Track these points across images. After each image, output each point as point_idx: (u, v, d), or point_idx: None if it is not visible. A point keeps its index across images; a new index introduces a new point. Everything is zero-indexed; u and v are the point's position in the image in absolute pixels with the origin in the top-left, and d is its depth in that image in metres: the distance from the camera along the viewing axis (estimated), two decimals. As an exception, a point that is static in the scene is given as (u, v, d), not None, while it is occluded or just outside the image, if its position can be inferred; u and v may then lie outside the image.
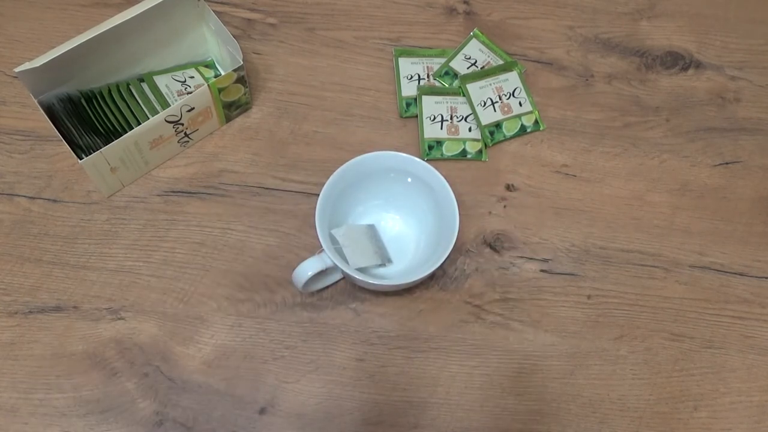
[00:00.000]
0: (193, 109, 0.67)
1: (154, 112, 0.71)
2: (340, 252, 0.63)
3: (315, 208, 0.61)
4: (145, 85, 0.72)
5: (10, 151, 0.71)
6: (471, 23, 0.81)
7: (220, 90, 0.68)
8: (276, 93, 0.76)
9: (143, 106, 0.71)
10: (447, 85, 0.77)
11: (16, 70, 0.60)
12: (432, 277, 0.68)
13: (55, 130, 0.63)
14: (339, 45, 0.79)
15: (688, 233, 0.72)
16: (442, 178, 0.64)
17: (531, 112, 0.76)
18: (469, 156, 0.73)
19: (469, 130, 0.74)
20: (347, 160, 0.64)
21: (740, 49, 0.82)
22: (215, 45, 0.73)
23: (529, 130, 0.75)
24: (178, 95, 0.71)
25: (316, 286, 0.65)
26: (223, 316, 0.66)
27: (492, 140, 0.74)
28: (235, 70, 0.67)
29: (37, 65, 0.61)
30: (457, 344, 0.66)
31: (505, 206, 0.72)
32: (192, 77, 0.73)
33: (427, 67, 0.78)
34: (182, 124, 0.68)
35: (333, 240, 0.63)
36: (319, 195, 0.62)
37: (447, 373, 0.65)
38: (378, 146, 0.74)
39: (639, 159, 0.75)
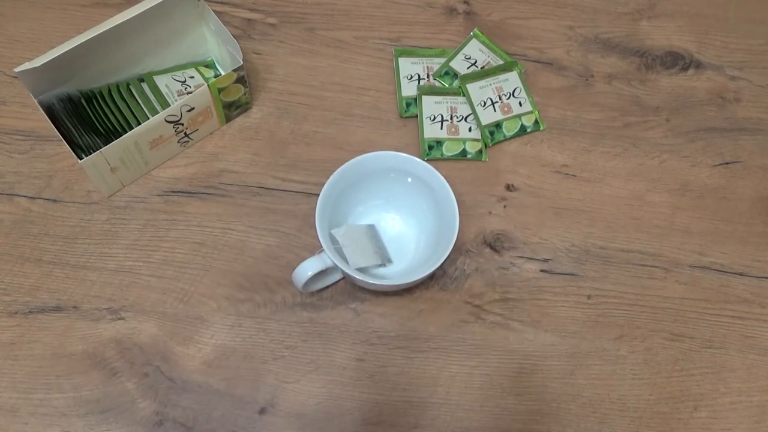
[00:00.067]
0: (193, 109, 0.67)
1: (154, 112, 0.71)
2: (340, 252, 0.63)
3: (315, 208, 0.61)
4: (145, 85, 0.72)
5: (10, 151, 0.71)
6: (471, 23, 0.81)
7: (220, 90, 0.68)
8: (276, 93, 0.76)
9: (143, 106, 0.71)
10: (447, 85, 0.77)
11: (16, 70, 0.60)
12: (432, 277, 0.68)
13: (55, 130, 0.63)
14: (339, 45, 0.79)
15: (688, 233, 0.72)
16: (442, 178, 0.64)
17: (531, 112, 0.76)
18: (469, 156, 0.73)
19: (469, 130, 0.74)
20: (347, 160, 0.64)
21: (740, 49, 0.82)
22: (215, 45, 0.73)
23: (529, 130, 0.75)
24: (178, 95, 0.71)
25: (316, 286, 0.65)
26: (223, 316, 0.66)
27: (492, 140, 0.74)
28: (235, 70, 0.67)
29: (37, 65, 0.61)
30: (457, 344, 0.66)
31: (505, 206, 0.72)
32: (192, 77, 0.73)
33: (427, 67, 0.78)
34: (182, 124, 0.68)
35: (333, 240, 0.63)
36: (319, 195, 0.62)
37: (447, 373, 0.65)
38: (378, 146, 0.74)
39: (639, 159, 0.75)
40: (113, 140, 0.64)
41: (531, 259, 0.70)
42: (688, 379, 0.66)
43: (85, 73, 0.68)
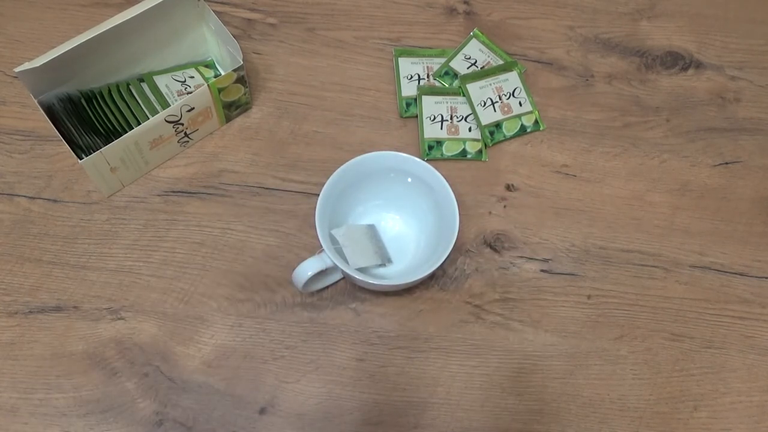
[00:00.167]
0: (193, 109, 0.67)
1: (154, 112, 0.71)
2: (340, 252, 0.63)
3: (315, 208, 0.61)
4: (145, 85, 0.72)
5: (10, 151, 0.71)
6: (471, 23, 0.81)
7: (220, 90, 0.68)
8: (276, 93, 0.76)
9: (143, 106, 0.71)
10: (447, 85, 0.77)
11: (16, 70, 0.60)
12: (432, 277, 0.68)
13: (55, 130, 0.63)
14: (339, 45, 0.79)
15: (688, 233, 0.72)
16: (442, 178, 0.64)
17: (531, 112, 0.76)
18: (469, 156, 0.73)
19: (469, 130, 0.74)
20: (347, 160, 0.64)
21: (740, 49, 0.82)
22: (215, 45, 0.73)
23: (529, 130, 0.75)
24: (178, 95, 0.71)
25: (316, 286, 0.65)
26: (223, 316, 0.66)
27: (492, 140, 0.74)
28: (235, 70, 0.67)
29: (37, 65, 0.61)
30: (457, 344, 0.66)
31: (505, 206, 0.72)
32: (192, 77, 0.73)
33: (427, 67, 0.78)
34: (182, 124, 0.68)
35: (333, 240, 0.63)
36: (319, 195, 0.62)
37: (447, 373, 0.65)
38: (378, 146, 0.74)
39: (639, 159, 0.75)
40: (113, 140, 0.64)
41: (531, 259, 0.70)
42: (688, 379, 0.66)
43: (85, 73, 0.68)
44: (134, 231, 0.69)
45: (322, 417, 0.63)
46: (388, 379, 0.64)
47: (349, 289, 0.67)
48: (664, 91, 0.79)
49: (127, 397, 0.62)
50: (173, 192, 0.70)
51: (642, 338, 0.67)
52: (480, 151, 0.74)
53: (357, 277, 0.60)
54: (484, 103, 0.75)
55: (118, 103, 0.70)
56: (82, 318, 0.65)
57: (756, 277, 0.70)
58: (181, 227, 0.69)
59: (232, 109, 0.72)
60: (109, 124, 0.69)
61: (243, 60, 0.66)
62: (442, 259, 0.60)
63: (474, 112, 0.74)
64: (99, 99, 0.69)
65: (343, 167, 0.63)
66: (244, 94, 0.71)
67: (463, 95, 0.75)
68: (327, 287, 0.67)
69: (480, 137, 0.74)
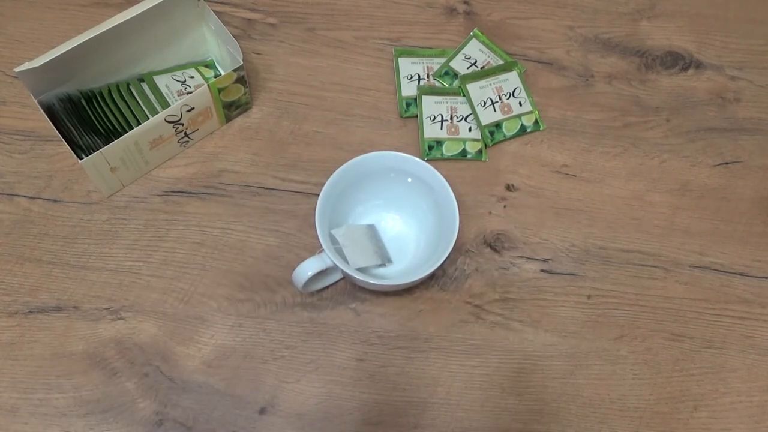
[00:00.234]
0: (193, 109, 0.67)
1: (154, 112, 0.71)
2: (340, 252, 0.63)
3: (315, 208, 0.61)
4: (145, 85, 0.72)
5: (10, 151, 0.71)
6: (471, 23, 0.81)
7: (220, 90, 0.68)
8: (276, 93, 0.76)
9: (143, 106, 0.71)
10: (447, 85, 0.77)
11: (16, 70, 0.60)
12: (432, 277, 0.68)
13: (55, 130, 0.63)
14: (339, 45, 0.79)
15: (688, 233, 0.72)
16: (442, 178, 0.64)
17: (531, 112, 0.76)
18: (469, 156, 0.73)
19: (469, 130, 0.74)
20: (347, 160, 0.64)
21: (740, 49, 0.82)
22: (215, 45, 0.73)
23: (529, 130, 0.75)
24: (178, 95, 0.71)
25: (316, 286, 0.65)
26: (223, 316, 0.66)
27: (492, 140, 0.74)
28: (235, 70, 0.67)
29: (37, 65, 0.61)
30: (457, 344, 0.66)
31: (505, 206, 0.72)
32: (192, 77, 0.73)
33: (427, 67, 0.78)
34: (182, 124, 0.68)
35: (333, 240, 0.63)
36: (319, 195, 0.62)
37: (447, 373, 0.65)
38: (378, 146, 0.74)
39: (639, 159, 0.75)
40: (113, 140, 0.64)
41: (531, 259, 0.70)
42: (688, 379, 0.66)
43: (85, 73, 0.68)
44: (134, 231, 0.69)
45: (322, 417, 0.63)
46: (388, 379, 0.64)
47: (349, 289, 0.67)
48: (664, 91, 0.79)
49: (127, 397, 0.62)
50: (173, 192, 0.70)
51: (642, 338, 0.67)
52: (480, 151, 0.74)
53: (357, 277, 0.60)
54: (484, 103, 0.75)
55: (118, 103, 0.70)
56: (82, 318, 0.65)
57: (756, 277, 0.70)
58: (181, 227, 0.69)
59: (232, 109, 0.72)
60: (109, 124, 0.69)
61: (243, 60, 0.66)
62: (442, 259, 0.60)
63: (474, 112, 0.74)
64: (99, 99, 0.69)
65: (343, 167, 0.63)
66: (244, 94, 0.71)
67: (463, 95, 0.75)
68: (327, 287, 0.67)
69: (480, 137, 0.74)
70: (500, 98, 0.75)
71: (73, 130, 0.67)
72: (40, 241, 0.68)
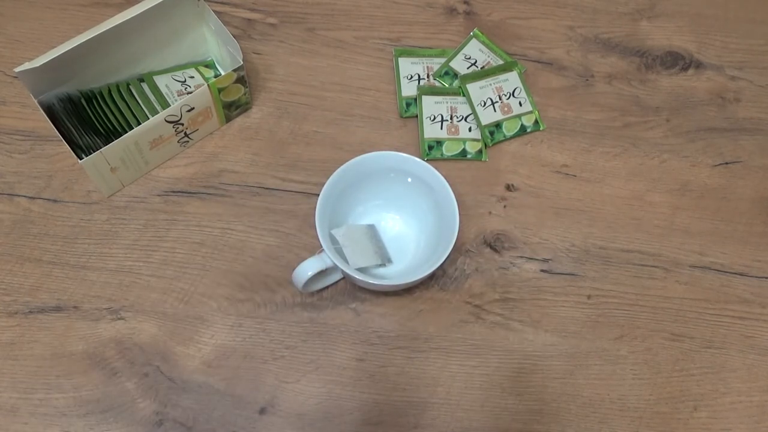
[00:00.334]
0: (193, 109, 0.67)
1: (154, 112, 0.71)
2: (340, 252, 0.63)
3: (315, 208, 0.61)
4: (145, 85, 0.72)
5: (10, 151, 0.71)
6: (471, 23, 0.81)
7: (220, 90, 0.68)
8: (276, 93, 0.76)
9: (143, 106, 0.71)
10: (447, 85, 0.77)
11: (16, 70, 0.60)
12: (432, 277, 0.68)
13: (55, 130, 0.63)
14: (339, 45, 0.79)
15: (688, 233, 0.72)
16: (442, 178, 0.64)
17: (531, 112, 0.76)
18: (469, 156, 0.73)
19: (469, 130, 0.74)
20: (347, 160, 0.64)
21: (740, 49, 0.82)
22: (215, 45, 0.73)
23: (529, 130, 0.75)
24: (178, 95, 0.71)
25: (316, 286, 0.65)
26: (223, 316, 0.66)
27: (492, 140, 0.74)
28: (235, 70, 0.67)
29: (37, 65, 0.61)
30: (457, 344, 0.66)
31: (505, 206, 0.72)
32: (192, 77, 0.73)
33: (427, 67, 0.78)
34: (182, 124, 0.68)
35: (333, 240, 0.63)
36: (319, 195, 0.62)
37: (447, 373, 0.65)
38: (378, 146, 0.74)
39: (639, 159, 0.75)
40: (113, 140, 0.64)
41: (531, 259, 0.70)
42: (688, 379, 0.66)
43: (85, 73, 0.68)
44: (134, 231, 0.69)
45: (322, 417, 0.63)
46: (388, 379, 0.64)
47: (349, 289, 0.67)
48: (664, 91, 0.79)
49: (127, 397, 0.62)
50: (173, 192, 0.70)
51: (642, 338, 0.67)
52: (480, 151, 0.74)
53: (357, 277, 0.60)
54: (484, 103, 0.75)
55: (118, 103, 0.70)
56: (82, 318, 0.65)
57: (756, 277, 0.70)
58: (181, 227, 0.69)
59: (232, 109, 0.72)
60: (109, 124, 0.69)
61: (243, 60, 0.66)
62: (442, 259, 0.60)
63: (474, 112, 0.74)
64: (99, 99, 0.69)
65: (343, 167, 0.63)
66: (244, 94, 0.71)
67: (463, 95, 0.75)
68: (327, 287, 0.67)
69: (480, 137, 0.74)
70: (500, 98, 0.75)
71: (73, 130, 0.67)
72: (40, 241, 0.68)
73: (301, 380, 0.64)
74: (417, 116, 0.75)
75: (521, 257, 0.70)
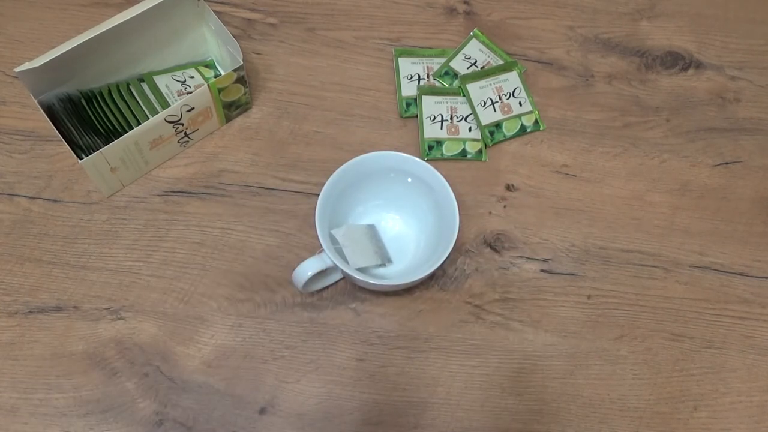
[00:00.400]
0: (193, 109, 0.67)
1: (154, 112, 0.71)
2: (340, 252, 0.63)
3: (315, 208, 0.61)
4: (145, 85, 0.72)
5: (10, 151, 0.71)
6: (471, 23, 0.81)
7: (220, 90, 0.68)
8: (276, 93, 0.76)
9: (143, 106, 0.71)
10: (447, 85, 0.77)
11: (16, 70, 0.60)
12: (432, 277, 0.68)
13: (55, 130, 0.63)
14: (339, 45, 0.79)
15: (688, 233, 0.72)
16: (442, 178, 0.64)
17: (531, 112, 0.76)
18: (469, 156, 0.73)
19: (469, 130, 0.74)
20: (347, 160, 0.64)
21: (740, 49, 0.82)
22: (215, 45, 0.73)
23: (529, 130, 0.75)
24: (178, 95, 0.71)
25: (316, 286, 0.65)
26: (223, 316, 0.66)
27: (492, 140, 0.74)
28: (235, 70, 0.67)
29: (37, 65, 0.61)
30: (457, 344, 0.66)
31: (505, 206, 0.72)
32: (192, 77, 0.73)
33: (427, 67, 0.78)
34: (182, 124, 0.68)
35: (333, 240, 0.63)
36: (319, 195, 0.62)
37: (447, 373, 0.65)
38: (378, 146, 0.74)
39: (639, 159, 0.75)
40: (113, 140, 0.64)
41: (531, 259, 0.70)
42: (688, 379, 0.66)
43: (85, 73, 0.68)
44: (134, 231, 0.69)
45: (322, 417, 0.63)
46: (388, 379, 0.64)
47: (349, 289, 0.67)
48: (664, 91, 0.79)
49: (127, 397, 0.62)
50: (173, 192, 0.70)
51: (642, 338, 0.67)
52: (480, 151, 0.74)
53: (357, 277, 0.60)
54: (484, 103, 0.75)
55: (118, 103, 0.70)
56: (82, 318, 0.65)
57: (756, 277, 0.70)
58: (181, 227, 0.69)
59: (232, 109, 0.72)
60: (109, 124, 0.69)
61: (243, 60, 0.66)
62: (442, 259, 0.60)
63: (474, 112, 0.74)
64: (99, 99, 0.69)
65: (343, 167, 0.63)
66: (244, 94, 0.71)
67: (463, 95, 0.75)
68: (327, 287, 0.67)
69: (480, 137, 0.74)
70: (500, 98, 0.75)
71: (73, 130, 0.67)
72: (40, 241, 0.68)
73: (301, 380, 0.64)
74: (417, 116, 0.75)
75: (521, 257, 0.70)
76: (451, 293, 0.68)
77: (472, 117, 0.75)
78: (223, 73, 0.72)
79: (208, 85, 0.66)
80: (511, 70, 0.77)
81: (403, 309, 0.67)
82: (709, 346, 0.67)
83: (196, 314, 0.66)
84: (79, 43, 0.62)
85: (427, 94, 0.75)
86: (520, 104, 0.76)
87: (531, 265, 0.69)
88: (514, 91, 0.76)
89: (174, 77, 0.72)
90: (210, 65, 0.76)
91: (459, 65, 0.77)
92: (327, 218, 0.62)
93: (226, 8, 0.79)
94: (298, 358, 0.65)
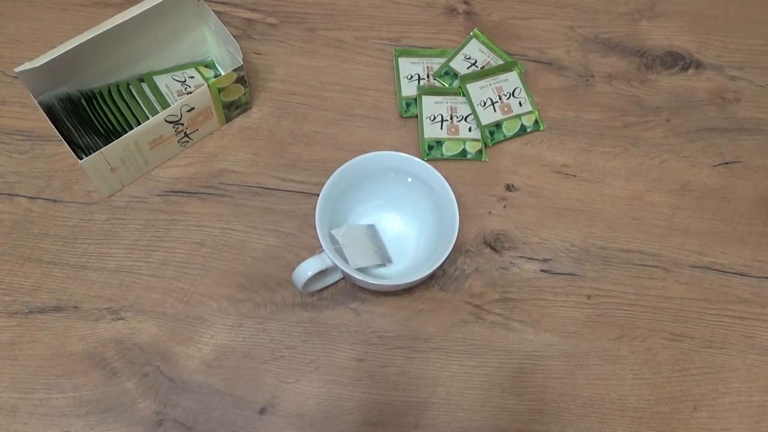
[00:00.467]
0: (193, 109, 0.67)
1: (154, 112, 0.71)
2: (340, 252, 0.63)
3: (315, 208, 0.61)
4: (145, 85, 0.72)
5: (10, 151, 0.71)
6: (471, 23, 0.81)
7: (220, 90, 0.68)
8: (276, 93, 0.76)
9: (143, 106, 0.71)
10: (447, 85, 0.77)
11: (16, 70, 0.60)
12: (432, 277, 0.68)
13: (55, 130, 0.63)
14: (339, 45, 0.79)
15: (688, 233, 0.72)
16: (442, 178, 0.64)
17: (531, 112, 0.76)
18: (469, 156, 0.73)
19: (469, 130, 0.74)
20: (347, 160, 0.64)
21: (740, 49, 0.82)
22: (215, 45, 0.73)
23: (529, 130, 0.75)
24: (178, 95, 0.71)
25: (316, 286, 0.65)
26: (223, 316, 0.66)
27: (492, 140, 0.74)
28: (235, 70, 0.67)
29: (37, 65, 0.61)
30: (457, 344, 0.66)
31: (505, 206, 0.72)
32: (192, 77, 0.73)
33: (427, 67, 0.78)
34: (182, 124, 0.68)
35: (333, 240, 0.63)
36: (319, 195, 0.62)
37: (447, 373, 0.65)
38: (378, 146, 0.74)
39: (639, 159, 0.75)
40: (113, 140, 0.64)
41: (531, 259, 0.70)
42: (688, 379, 0.66)
43: (85, 73, 0.68)
44: (134, 231, 0.69)
45: (322, 417, 0.63)
46: (388, 379, 0.64)
47: (349, 289, 0.67)
48: (664, 91, 0.79)
49: (127, 397, 0.62)
50: (173, 192, 0.70)
51: (642, 338, 0.67)
52: (480, 151, 0.74)
53: (357, 277, 0.60)
54: (484, 103, 0.75)
55: (118, 103, 0.70)
56: (82, 318, 0.65)
57: (756, 277, 0.70)
58: (181, 227, 0.69)
59: (232, 109, 0.72)
60: (109, 124, 0.69)
61: (243, 60, 0.66)
62: (442, 259, 0.60)
63: (474, 112, 0.74)
64: (99, 99, 0.69)
65: (343, 167, 0.63)
66: (244, 94, 0.71)
67: (463, 95, 0.75)
68: (327, 287, 0.67)
69: (480, 137, 0.74)
70: (500, 98, 0.75)
71: (73, 130, 0.67)
72: (40, 241, 0.68)
73: (301, 380, 0.64)
74: (417, 116, 0.75)
75: (521, 257, 0.70)
76: (451, 293, 0.68)
77: (472, 117, 0.75)
78: (223, 73, 0.72)
79: (208, 85, 0.66)
80: (511, 70, 0.77)
81: (403, 309, 0.67)
82: (709, 346, 0.67)
83: (196, 314, 0.66)
84: (79, 43, 0.62)
85: (427, 94, 0.75)
86: (520, 104, 0.76)
87: (531, 265, 0.69)
88: (514, 91, 0.76)
89: (174, 77, 0.72)
90: (210, 65, 0.76)
91: (459, 65, 0.77)
92: (327, 218, 0.62)
93: (226, 8, 0.79)
94: (298, 358, 0.65)
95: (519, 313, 0.67)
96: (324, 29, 0.79)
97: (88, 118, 0.69)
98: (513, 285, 0.68)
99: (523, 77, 0.77)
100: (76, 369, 0.63)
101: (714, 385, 0.66)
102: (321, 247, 0.60)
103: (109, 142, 0.63)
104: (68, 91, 0.68)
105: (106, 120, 0.69)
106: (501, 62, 0.78)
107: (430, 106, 0.75)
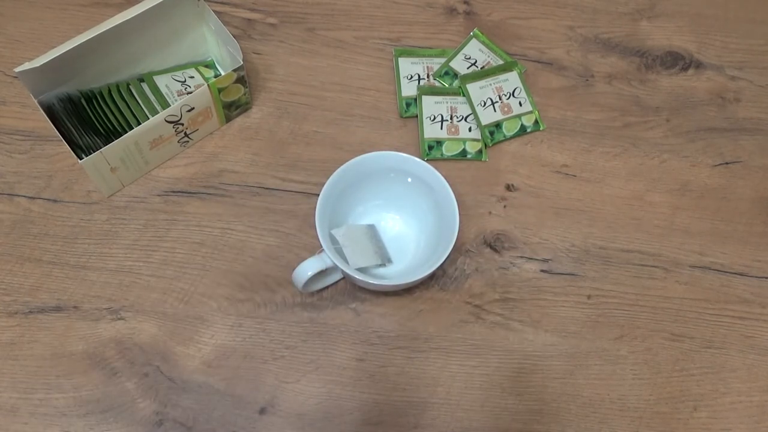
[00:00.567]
0: (193, 109, 0.67)
1: (154, 112, 0.71)
2: (340, 252, 0.63)
3: (315, 208, 0.61)
4: (145, 85, 0.72)
5: (10, 151, 0.71)
6: (471, 23, 0.81)
7: (220, 90, 0.68)
8: (276, 93, 0.76)
9: (143, 106, 0.71)
10: (447, 85, 0.77)
11: (16, 70, 0.60)
12: (432, 277, 0.68)
13: (55, 130, 0.63)
14: (339, 45, 0.79)
15: (688, 233, 0.72)
16: (442, 178, 0.64)
17: (531, 112, 0.76)
18: (469, 156, 0.73)
19: (469, 130, 0.74)
20: (347, 160, 0.64)
21: (740, 49, 0.82)
22: (215, 45, 0.73)
23: (529, 130, 0.75)
24: (178, 95, 0.71)
25: (316, 286, 0.65)
26: (223, 316, 0.66)
27: (492, 140, 0.74)
28: (235, 70, 0.67)
29: (37, 65, 0.61)
30: (457, 344, 0.66)
31: (505, 206, 0.72)
32: (192, 77, 0.73)
33: (427, 67, 0.78)
34: (182, 124, 0.68)
35: (333, 240, 0.63)
36: (319, 195, 0.62)
37: (447, 373, 0.65)
38: (378, 146, 0.74)
39: (639, 159, 0.75)
40: (113, 140, 0.64)
41: (531, 259, 0.70)
42: (688, 379, 0.66)
43: (85, 73, 0.68)
44: (134, 231, 0.69)
45: (322, 417, 0.63)
46: (388, 379, 0.64)
47: (349, 289, 0.67)
48: (664, 91, 0.79)
49: (127, 397, 0.62)
50: (173, 192, 0.70)
51: (642, 338, 0.67)
52: (480, 151, 0.74)
53: (357, 277, 0.60)
54: (484, 103, 0.75)
55: (118, 103, 0.70)
56: (82, 318, 0.65)
57: (756, 277, 0.70)
58: (181, 227, 0.69)
59: (232, 109, 0.72)
60: (109, 124, 0.69)
61: (243, 60, 0.66)
62: (442, 259, 0.60)
63: (474, 112, 0.74)
64: (99, 99, 0.69)
65: (343, 167, 0.63)
66: (244, 94, 0.71)
67: (463, 95, 0.75)
68: (327, 287, 0.67)
69: (480, 137, 0.74)
70: (500, 98, 0.75)
71: (73, 130, 0.67)
72: (40, 241, 0.68)
73: (301, 380, 0.64)
74: (417, 116, 0.75)
75: (521, 257, 0.70)
76: (451, 293, 0.68)
77: (472, 117, 0.75)
78: (223, 73, 0.72)
79: (208, 85, 0.66)
80: (511, 70, 0.77)
81: (403, 309, 0.67)
82: (709, 346, 0.67)
83: (196, 314, 0.66)
84: (79, 43, 0.62)
85: (427, 94, 0.75)
86: (520, 104, 0.76)
87: (531, 265, 0.69)
88: (514, 91, 0.76)
89: (174, 77, 0.72)
90: (210, 65, 0.76)
91: (459, 65, 0.77)
92: (327, 218, 0.62)
93: (226, 8, 0.79)
94: (298, 358, 0.65)
95: (519, 313, 0.67)
96: (324, 29, 0.79)
97: (88, 118, 0.69)
98: (513, 285, 0.68)
99: (523, 77, 0.77)
100: (76, 369, 0.63)
101: (714, 385, 0.66)
102: (321, 247, 0.60)
103: (109, 142, 0.63)
104: (68, 91, 0.68)
105: (106, 120, 0.69)
106: (501, 62, 0.78)
107: (430, 106, 0.75)
